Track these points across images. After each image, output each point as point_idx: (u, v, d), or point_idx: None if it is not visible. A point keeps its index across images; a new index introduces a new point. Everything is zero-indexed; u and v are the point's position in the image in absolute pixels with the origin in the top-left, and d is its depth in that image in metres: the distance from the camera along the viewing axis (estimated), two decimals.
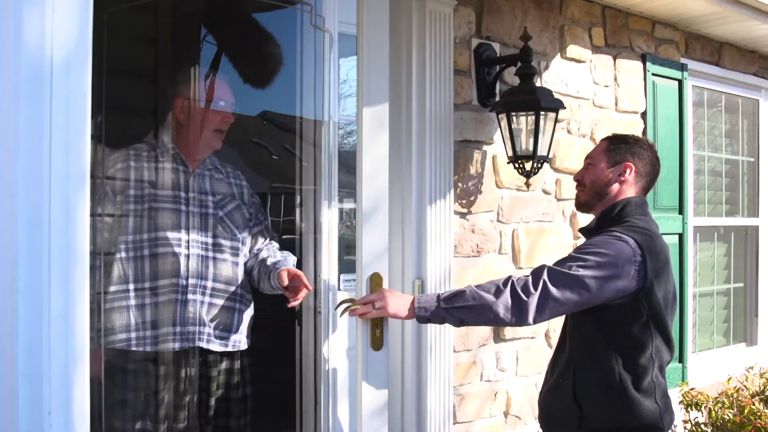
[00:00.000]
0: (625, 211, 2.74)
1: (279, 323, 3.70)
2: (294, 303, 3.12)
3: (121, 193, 3.05)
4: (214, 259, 3.18)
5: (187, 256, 3.11)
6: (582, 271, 2.54)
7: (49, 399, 1.76)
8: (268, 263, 3.23)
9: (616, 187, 2.78)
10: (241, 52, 3.83)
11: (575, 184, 2.93)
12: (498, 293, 2.54)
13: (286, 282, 3.09)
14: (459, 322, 2.61)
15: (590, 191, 2.83)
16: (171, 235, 3.09)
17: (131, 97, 3.43)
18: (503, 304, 2.53)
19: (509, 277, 2.60)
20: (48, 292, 1.76)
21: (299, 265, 3.41)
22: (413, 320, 2.69)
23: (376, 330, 2.73)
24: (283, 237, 3.73)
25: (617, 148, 2.82)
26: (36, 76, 1.78)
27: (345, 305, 2.73)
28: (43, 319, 1.75)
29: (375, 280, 2.75)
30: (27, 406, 1.73)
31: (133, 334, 3.03)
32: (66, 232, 1.80)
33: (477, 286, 2.60)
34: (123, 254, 3.04)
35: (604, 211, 2.78)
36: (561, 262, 2.62)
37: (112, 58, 2.68)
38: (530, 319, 2.54)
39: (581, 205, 2.90)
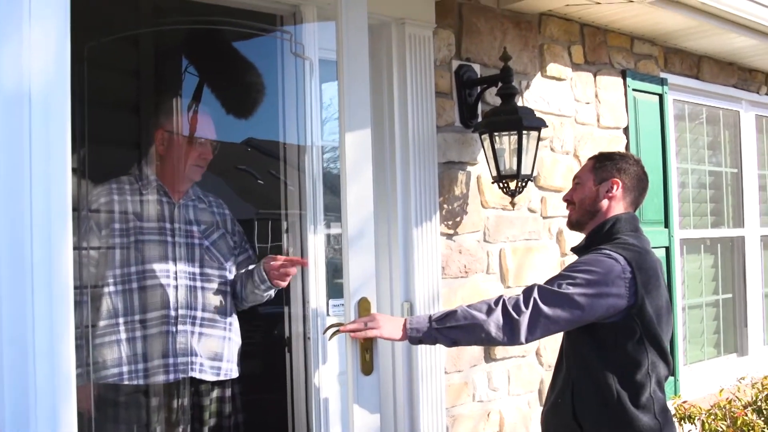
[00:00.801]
0: (615, 228, 2.76)
1: (269, 350, 3.70)
2: (285, 282, 3.15)
3: (106, 227, 3.05)
4: (202, 288, 3.18)
5: (176, 287, 3.11)
6: (572, 289, 2.55)
7: None
8: (249, 269, 3.27)
9: (605, 203, 2.80)
10: (223, 82, 3.85)
11: (565, 204, 2.95)
12: (489, 312, 2.55)
13: (277, 262, 3.12)
14: (451, 342, 2.61)
15: (580, 210, 2.85)
16: (158, 266, 3.08)
17: (113, 129, 3.44)
18: (495, 323, 2.53)
19: (500, 296, 2.61)
20: (32, 330, 1.74)
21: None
22: (403, 343, 2.70)
23: (366, 354, 2.73)
24: None
25: (603, 166, 2.85)
26: (14, 111, 1.78)
27: (333, 329, 2.73)
28: (28, 359, 1.74)
29: (363, 305, 2.74)
30: None
31: (125, 368, 3.02)
32: (49, 268, 1.79)
33: (468, 306, 2.61)
34: (111, 288, 3.03)
35: (595, 228, 2.80)
36: (551, 281, 2.64)
37: (93, 92, 2.69)
38: (522, 338, 2.55)
39: (573, 224, 2.92)
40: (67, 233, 1.82)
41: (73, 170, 2.24)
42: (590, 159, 2.95)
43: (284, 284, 3.22)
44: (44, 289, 1.77)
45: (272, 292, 3.29)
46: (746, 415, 4.23)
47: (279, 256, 3.19)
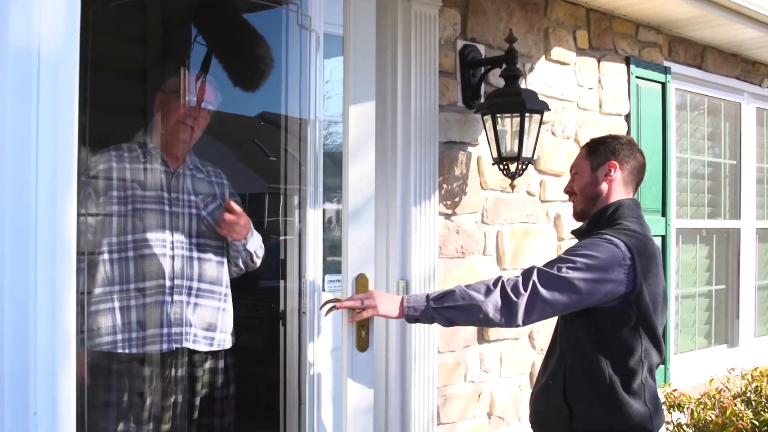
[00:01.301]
0: (617, 213, 2.75)
1: (264, 324, 3.71)
2: (227, 233, 3.17)
3: (104, 195, 3.05)
4: (199, 259, 3.19)
5: (172, 257, 3.11)
6: (571, 273, 2.54)
7: (35, 398, 1.74)
8: None
9: (605, 187, 2.79)
10: (231, 53, 3.82)
11: (567, 196, 2.95)
12: (488, 293, 2.54)
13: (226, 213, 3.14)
14: (448, 322, 2.61)
15: (582, 198, 2.84)
16: (155, 236, 3.08)
17: (114, 96, 3.41)
18: (493, 305, 2.53)
19: (499, 278, 2.60)
20: (34, 290, 1.74)
21: (283, 265, 3.42)
22: (398, 321, 2.69)
23: (362, 331, 2.73)
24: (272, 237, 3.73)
25: (596, 150, 2.84)
26: (23, 70, 1.76)
27: (330, 305, 2.72)
28: (29, 318, 1.74)
29: (361, 281, 2.75)
30: (12, 405, 1.72)
31: (119, 336, 3.02)
32: (53, 229, 1.79)
33: (467, 286, 2.59)
34: (107, 256, 3.03)
35: (597, 213, 2.79)
36: (550, 264, 2.63)
37: (96, 57, 2.67)
38: (519, 320, 2.54)
39: (579, 215, 2.90)
40: (71, 195, 1.82)
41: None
42: (583, 147, 2.95)
43: (226, 233, 3.20)
44: (47, 250, 1.77)
45: (243, 251, 3.26)
46: (735, 406, 4.25)
47: (234, 208, 3.18)
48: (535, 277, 2.55)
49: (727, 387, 4.58)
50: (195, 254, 3.18)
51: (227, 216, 3.17)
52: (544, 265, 2.63)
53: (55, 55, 1.79)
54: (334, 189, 3.70)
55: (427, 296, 2.60)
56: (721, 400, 4.34)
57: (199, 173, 3.29)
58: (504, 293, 2.54)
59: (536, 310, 2.55)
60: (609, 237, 2.63)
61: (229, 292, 3.28)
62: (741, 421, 4.14)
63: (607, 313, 2.60)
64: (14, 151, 1.75)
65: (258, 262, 3.36)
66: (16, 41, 1.75)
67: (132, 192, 3.09)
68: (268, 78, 3.70)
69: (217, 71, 3.65)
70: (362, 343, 2.75)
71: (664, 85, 4.96)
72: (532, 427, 2.88)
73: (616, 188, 2.79)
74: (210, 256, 3.22)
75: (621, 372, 2.61)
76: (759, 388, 4.44)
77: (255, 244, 3.29)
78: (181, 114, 3.20)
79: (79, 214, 2.93)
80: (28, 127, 1.76)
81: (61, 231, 1.80)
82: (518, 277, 2.60)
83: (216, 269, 3.23)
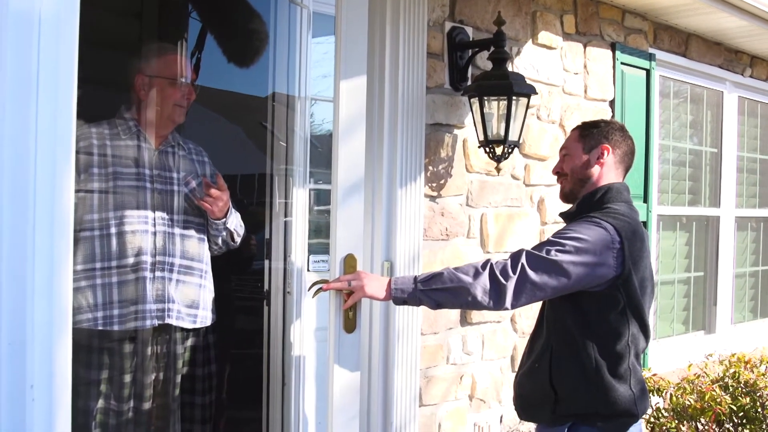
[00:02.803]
0: (606, 196, 2.74)
1: (248, 303, 3.69)
2: (209, 206, 3.15)
3: (85, 171, 3.02)
4: (180, 236, 3.18)
5: (154, 234, 3.09)
6: (560, 256, 2.53)
7: (32, 372, 1.73)
8: None
9: (596, 170, 2.79)
10: (225, 28, 3.77)
11: (556, 177, 2.92)
12: (476, 276, 2.52)
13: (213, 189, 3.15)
14: (436, 305, 2.58)
15: (572, 179, 2.83)
16: (137, 213, 3.06)
17: (95, 71, 3.37)
18: (482, 287, 2.51)
19: (488, 260, 2.58)
20: (32, 264, 1.72)
21: (268, 245, 3.40)
22: (382, 302, 2.67)
23: (350, 312, 2.71)
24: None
25: (590, 134, 2.83)
26: (23, 34, 1.73)
27: (317, 286, 2.70)
28: (27, 292, 1.71)
29: (349, 262, 2.72)
30: (9, 379, 1.70)
31: (99, 314, 3.00)
32: (51, 202, 1.77)
33: (455, 269, 2.57)
34: (89, 233, 3.01)
35: (586, 195, 2.78)
36: (539, 247, 2.61)
37: (90, 31, 2.61)
38: (508, 303, 2.53)
39: (567, 195, 2.88)
40: (69, 168, 1.79)
41: None
42: (575, 129, 2.93)
43: (209, 207, 3.19)
44: (46, 224, 1.75)
45: (224, 229, 3.25)
46: (714, 391, 4.28)
47: (220, 183, 3.17)
48: (524, 259, 2.54)
49: (705, 372, 4.62)
50: (177, 231, 3.16)
51: (213, 191, 3.15)
52: (532, 248, 2.61)
53: (57, 18, 1.75)
54: (320, 170, 3.69)
55: (415, 278, 2.58)
56: (700, 385, 4.38)
57: (181, 150, 3.27)
58: (493, 276, 2.52)
59: (525, 293, 2.53)
60: (598, 220, 2.62)
61: (209, 269, 3.27)
62: (719, 406, 4.18)
63: (595, 297, 2.60)
64: (14, 120, 1.72)
65: (238, 240, 3.34)
66: (17, 4, 1.71)
67: (114, 169, 3.07)
68: (262, 54, 3.66)
69: (209, 46, 3.62)
70: (350, 324, 2.73)
71: (648, 71, 4.98)
72: (516, 409, 2.88)
73: (607, 172, 2.79)
74: (192, 233, 3.20)
75: (608, 356, 2.61)
76: (737, 374, 4.48)
77: (234, 222, 3.28)
78: (179, 97, 3.18)
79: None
80: (28, 94, 1.73)
81: (59, 205, 1.78)
82: (507, 260, 2.58)
83: (197, 246, 3.22)
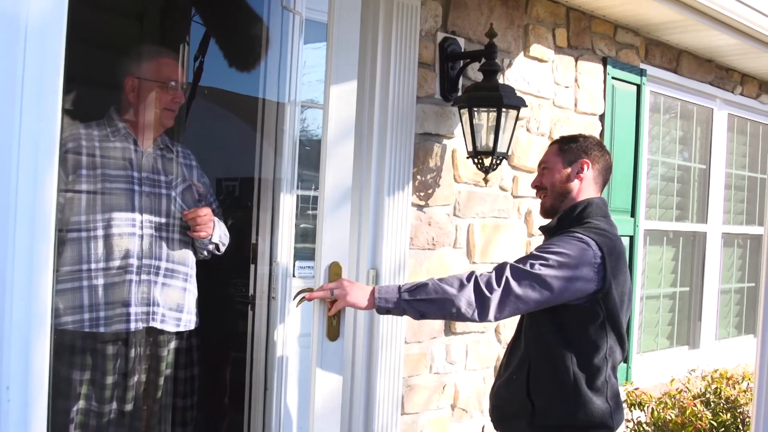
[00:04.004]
0: (586, 211, 2.77)
1: (232, 307, 3.69)
2: (196, 233, 3.15)
3: (73, 173, 3.01)
4: (167, 239, 3.17)
5: (141, 237, 3.09)
6: (544, 270, 2.55)
7: (8, 373, 1.72)
8: None
9: (576, 184, 2.81)
10: (226, 33, 3.77)
11: (535, 191, 2.94)
12: (461, 288, 2.54)
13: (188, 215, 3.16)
14: (420, 315, 2.59)
15: (552, 194, 2.84)
16: (124, 215, 3.06)
17: (87, 73, 3.38)
18: (466, 299, 2.52)
19: (472, 272, 2.60)
20: (12, 264, 1.72)
21: (254, 250, 3.40)
22: (366, 311, 2.67)
23: (333, 320, 2.71)
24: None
25: (569, 148, 2.85)
26: (9, 38, 1.73)
27: (301, 295, 2.70)
28: (5, 291, 1.71)
29: (334, 269, 2.72)
30: None
31: (86, 315, 3.00)
32: (33, 202, 1.76)
33: (440, 280, 2.58)
34: (75, 234, 3.00)
35: (566, 210, 2.80)
36: (523, 260, 2.63)
37: (76, 29, 2.62)
38: (491, 315, 2.54)
39: (547, 211, 2.89)
40: (52, 168, 1.79)
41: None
42: (554, 143, 2.95)
43: (196, 234, 3.21)
44: (26, 223, 1.75)
45: (209, 244, 3.26)
46: (695, 406, 4.31)
47: (199, 209, 3.18)
48: (508, 273, 2.56)
49: (687, 387, 4.64)
50: (163, 234, 3.17)
51: (199, 217, 3.16)
52: (516, 262, 2.63)
53: (43, 24, 1.75)
54: (308, 175, 3.70)
55: (399, 288, 2.58)
56: (681, 400, 4.41)
57: (168, 153, 3.28)
58: (477, 288, 2.54)
59: (508, 306, 2.55)
60: (580, 235, 2.64)
61: (194, 273, 3.27)
62: (700, 422, 4.20)
63: (576, 310, 2.62)
64: None
65: (223, 249, 3.35)
66: (4, 7, 1.71)
67: (102, 171, 3.06)
68: (264, 59, 3.66)
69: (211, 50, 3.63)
70: (333, 332, 2.73)
71: (639, 87, 5.01)
72: (492, 421, 2.89)
73: (586, 187, 2.82)
74: (178, 236, 3.21)
75: (586, 369, 2.63)
76: (718, 390, 4.51)
77: (219, 234, 3.29)
78: (169, 101, 3.18)
79: None
80: (12, 97, 1.73)
81: (41, 205, 1.78)
82: (491, 272, 2.60)
83: (183, 249, 3.22)
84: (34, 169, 1.76)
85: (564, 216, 2.79)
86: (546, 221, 2.93)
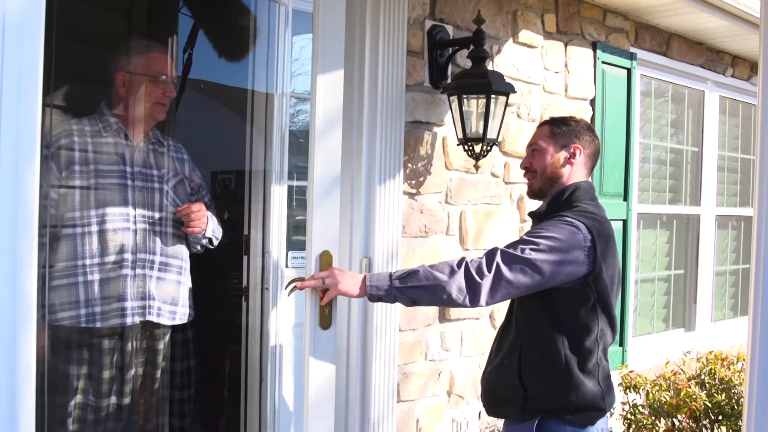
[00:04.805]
0: (574, 195, 2.77)
1: (226, 298, 3.71)
2: (190, 228, 3.17)
3: (66, 168, 3.02)
4: (161, 233, 3.18)
5: (135, 231, 3.10)
6: (535, 255, 2.56)
7: None
8: None
9: (567, 170, 2.81)
10: (215, 24, 3.77)
11: (523, 172, 2.94)
12: (452, 274, 2.55)
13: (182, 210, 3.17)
14: (411, 302, 2.60)
15: (542, 177, 2.84)
16: (118, 210, 3.07)
17: (77, 68, 3.38)
18: (457, 285, 2.53)
19: (463, 258, 2.60)
20: None
21: (247, 241, 3.42)
22: (360, 299, 2.68)
23: (325, 309, 2.72)
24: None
25: (561, 132, 2.84)
26: None
27: (293, 284, 2.71)
28: None
29: (324, 258, 2.73)
30: None
31: (82, 311, 3.01)
32: (15, 197, 1.76)
33: (430, 266, 2.59)
34: (70, 230, 3.01)
35: (555, 195, 2.80)
36: (514, 245, 2.64)
37: (64, 25, 2.62)
38: (483, 301, 2.55)
39: (535, 193, 2.90)
40: (34, 161, 1.80)
41: (46, 106, 2.19)
42: (545, 125, 2.92)
43: (190, 229, 3.22)
44: (9, 217, 1.75)
45: (203, 238, 3.28)
46: (690, 387, 4.33)
47: (192, 205, 3.20)
48: (498, 258, 2.57)
49: (682, 369, 4.66)
50: (157, 228, 3.17)
51: (193, 213, 3.17)
52: (507, 246, 2.64)
53: (21, 20, 1.76)
54: (303, 167, 3.70)
55: (390, 275, 2.59)
56: (676, 381, 4.42)
57: (160, 147, 3.28)
58: (468, 274, 2.55)
59: (500, 291, 2.56)
60: (570, 219, 2.65)
61: (187, 265, 3.28)
62: (695, 403, 4.22)
63: (567, 293, 2.63)
64: None
65: (216, 243, 3.37)
66: None
67: (95, 166, 3.07)
68: (252, 50, 3.66)
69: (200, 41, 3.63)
70: (325, 321, 2.74)
71: (629, 71, 5.01)
72: (484, 405, 2.91)
73: (576, 171, 2.82)
74: (171, 230, 3.22)
75: (577, 352, 2.65)
76: (713, 371, 4.53)
77: (212, 227, 3.30)
78: (160, 95, 3.19)
79: (41, 189, 2.94)
80: None
81: (23, 200, 1.78)
82: (482, 258, 2.60)
83: (176, 243, 3.23)
84: (15, 165, 1.77)
85: (553, 201, 2.80)
86: (534, 204, 2.94)
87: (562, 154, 2.81)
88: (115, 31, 3.64)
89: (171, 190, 3.23)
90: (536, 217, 2.86)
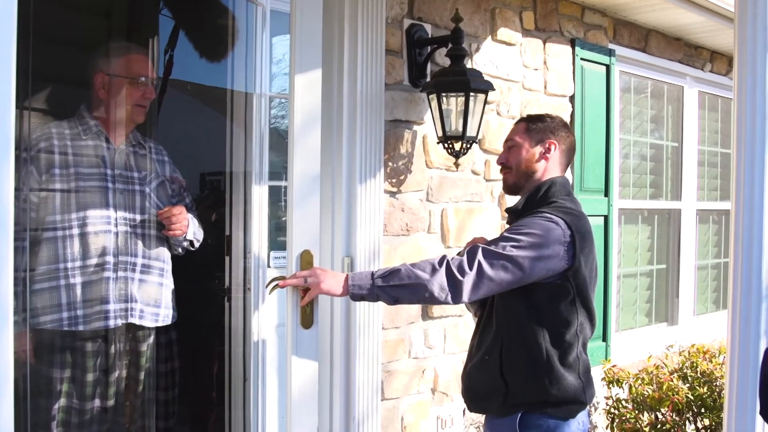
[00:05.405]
0: (551, 191, 2.80)
1: (209, 299, 3.71)
2: (170, 231, 3.18)
3: (46, 172, 3.01)
4: (142, 235, 3.18)
5: (116, 234, 3.10)
6: (515, 252, 2.58)
7: None
8: None
9: (542, 164, 2.84)
10: (196, 24, 3.77)
11: (500, 168, 2.96)
12: (433, 272, 2.56)
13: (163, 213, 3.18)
14: (393, 300, 2.61)
15: (517, 173, 2.87)
16: (99, 213, 3.06)
17: (56, 71, 3.38)
18: (438, 284, 2.55)
19: (443, 257, 2.62)
20: None
21: (228, 242, 3.42)
22: (342, 298, 2.69)
23: (307, 308, 2.73)
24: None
25: (536, 128, 2.87)
26: None
27: (274, 283, 2.72)
28: None
29: (305, 258, 2.74)
30: None
31: (65, 314, 3.00)
32: None
33: (412, 265, 2.61)
34: (51, 234, 3.01)
35: (531, 192, 2.83)
36: (495, 242, 2.66)
37: (37, 27, 2.62)
38: (465, 298, 2.57)
39: (510, 188, 2.92)
40: (8, 165, 1.79)
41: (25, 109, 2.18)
42: (521, 121, 2.96)
43: (171, 232, 3.23)
44: None
45: (184, 241, 3.29)
46: (672, 381, 4.36)
47: (173, 208, 3.21)
48: (480, 256, 2.59)
49: (664, 363, 4.69)
50: (138, 230, 3.18)
51: (174, 216, 3.18)
52: (487, 244, 2.66)
53: None
54: (281, 166, 3.71)
55: (372, 274, 2.61)
56: (659, 375, 4.45)
57: (141, 149, 3.28)
58: (449, 272, 2.56)
59: (482, 288, 2.58)
60: (549, 215, 2.67)
61: (169, 267, 3.28)
62: (677, 396, 4.26)
63: (547, 288, 2.65)
64: None
65: (198, 245, 3.37)
66: None
67: (75, 169, 3.06)
68: (233, 48, 3.66)
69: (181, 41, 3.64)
70: (307, 320, 2.74)
71: (608, 67, 5.04)
72: (465, 401, 2.92)
73: (552, 167, 2.85)
74: (152, 232, 3.22)
75: (558, 345, 2.67)
76: (695, 364, 4.56)
77: (193, 230, 3.31)
78: (139, 97, 3.19)
79: (21, 192, 2.94)
80: None
81: None
82: (463, 256, 2.63)
83: (157, 245, 3.23)
84: None
85: (530, 197, 2.82)
86: (515, 199, 2.96)
87: (538, 149, 2.84)
88: (94, 34, 3.64)
89: (152, 192, 3.24)
90: (513, 213, 2.89)
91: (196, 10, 3.94)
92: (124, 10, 3.77)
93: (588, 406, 2.78)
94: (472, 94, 3.55)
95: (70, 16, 3.44)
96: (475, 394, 2.85)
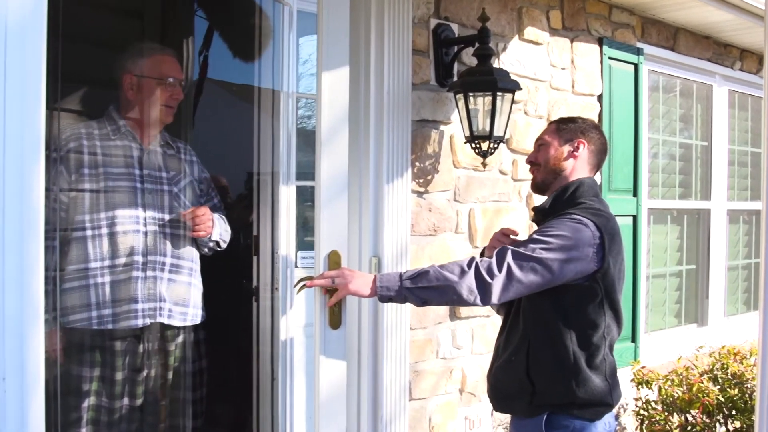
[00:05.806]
0: (578, 192, 2.79)
1: (237, 299, 3.72)
2: (195, 232, 3.20)
3: (75, 172, 3.05)
4: (171, 235, 3.20)
5: (145, 234, 3.12)
6: (545, 254, 2.57)
7: (3, 365, 1.75)
8: None
9: (570, 163, 2.83)
10: (228, 25, 3.79)
11: (529, 166, 2.96)
12: (462, 274, 2.55)
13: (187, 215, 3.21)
14: (421, 302, 2.61)
15: (545, 170, 2.86)
16: (128, 212, 3.09)
17: (85, 71, 3.41)
18: (467, 286, 2.54)
19: (473, 258, 2.62)
20: (2, 260, 1.74)
21: (256, 242, 3.43)
22: (370, 299, 2.69)
23: (335, 308, 2.73)
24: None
25: (567, 128, 2.88)
26: None
27: (302, 283, 2.73)
28: None
29: (333, 258, 2.74)
30: None
31: (94, 313, 3.03)
32: (20, 201, 1.79)
33: (440, 267, 2.60)
34: (80, 233, 3.04)
35: (558, 191, 2.82)
36: (524, 244, 2.65)
37: (67, 29, 2.65)
38: (494, 300, 2.56)
39: (538, 185, 2.92)
40: (39, 165, 1.82)
41: (55, 110, 2.21)
42: (553, 122, 2.98)
43: (195, 233, 3.24)
44: (15, 220, 1.77)
45: (210, 241, 3.30)
46: (702, 382, 4.32)
47: (197, 209, 3.22)
48: (509, 258, 2.58)
49: (694, 364, 4.65)
50: (167, 230, 3.20)
51: (198, 217, 3.20)
52: (516, 246, 2.65)
53: (23, 25, 1.77)
54: (309, 167, 3.71)
55: (401, 276, 2.60)
56: (689, 377, 4.41)
57: (169, 150, 3.30)
58: (479, 275, 2.56)
59: (510, 291, 2.58)
60: (578, 217, 2.66)
61: (197, 267, 3.30)
62: (707, 397, 4.22)
63: (575, 289, 2.64)
64: None
65: (225, 245, 3.39)
66: None
67: (104, 169, 3.09)
68: (267, 48, 3.67)
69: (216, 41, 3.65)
70: (335, 320, 2.75)
71: (636, 66, 5.01)
72: (491, 401, 2.92)
73: (580, 166, 2.84)
74: (181, 231, 3.24)
75: (585, 347, 2.66)
76: (725, 366, 4.52)
77: (219, 231, 3.32)
78: (167, 98, 3.22)
79: (51, 192, 2.97)
80: None
81: (29, 202, 1.80)
82: (492, 258, 2.62)
83: (186, 244, 3.25)
84: (20, 169, 1.79)
85: (557, 197, 2.81)
86: (538, 199, 2.95)
87: (566, 148, 2.83)
88: (126, 35, 3.67)
89: (181, 192, 3.26)
90: (540, 212, 2.88)
91: (229, 11, 3.96)
92: (158, 10, 3.80)
93: (614, 408, 2.76)
94: (499, 93, 3.53)
95: (101, 16, 3.46)
96: (501, 394, 2.84)
